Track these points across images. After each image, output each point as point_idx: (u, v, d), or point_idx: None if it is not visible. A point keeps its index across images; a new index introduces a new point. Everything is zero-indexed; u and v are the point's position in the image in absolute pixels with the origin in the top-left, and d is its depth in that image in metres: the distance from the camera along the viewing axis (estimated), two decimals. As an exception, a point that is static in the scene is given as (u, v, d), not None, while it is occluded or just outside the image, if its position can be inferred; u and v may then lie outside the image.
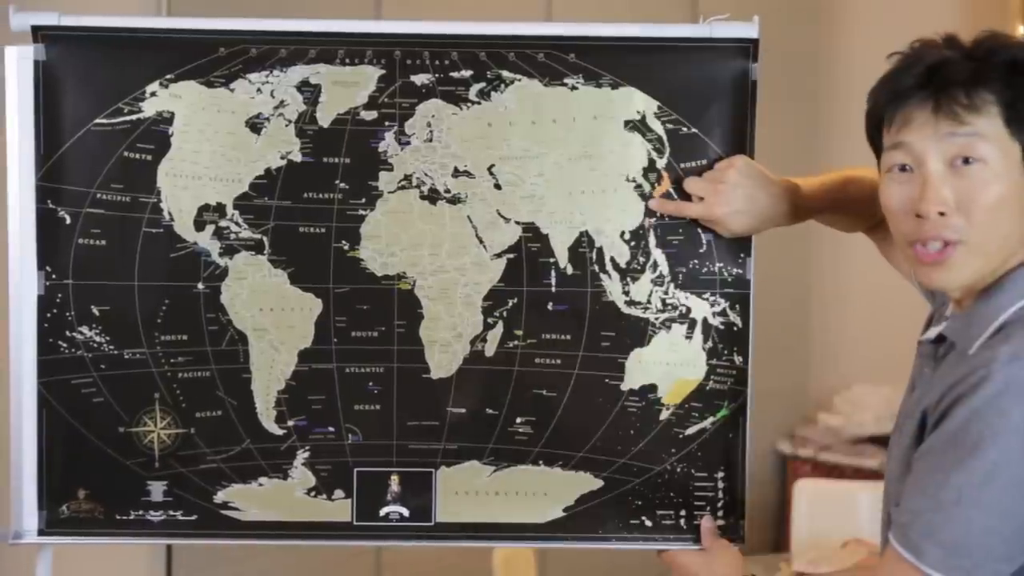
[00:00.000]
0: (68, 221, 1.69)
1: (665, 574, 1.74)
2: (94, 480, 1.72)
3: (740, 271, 1.71)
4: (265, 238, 1.71)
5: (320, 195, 1.71)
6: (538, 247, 1.71)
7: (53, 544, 1.74)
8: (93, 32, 1.70)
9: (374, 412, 1.73)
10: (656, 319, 1.72)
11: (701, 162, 1.70)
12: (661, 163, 1.70)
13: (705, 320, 1.72)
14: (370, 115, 1.71)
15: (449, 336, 1.72)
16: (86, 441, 1.71)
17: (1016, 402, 1.24)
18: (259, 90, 1.70)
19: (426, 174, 1.71)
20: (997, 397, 1.25)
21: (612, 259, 1.71)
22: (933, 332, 1.43)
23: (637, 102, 1.70)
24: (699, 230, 1.70)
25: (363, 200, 1.71)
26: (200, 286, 1.71)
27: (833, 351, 4.48)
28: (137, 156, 1.70)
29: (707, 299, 1.72)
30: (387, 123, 1.71)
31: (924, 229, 1.33)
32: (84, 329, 1.70)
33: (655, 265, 1.71)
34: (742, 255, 1.71)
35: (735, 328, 1.72)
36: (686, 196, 1.69)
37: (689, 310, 1.72)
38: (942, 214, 1.32)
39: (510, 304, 1.72)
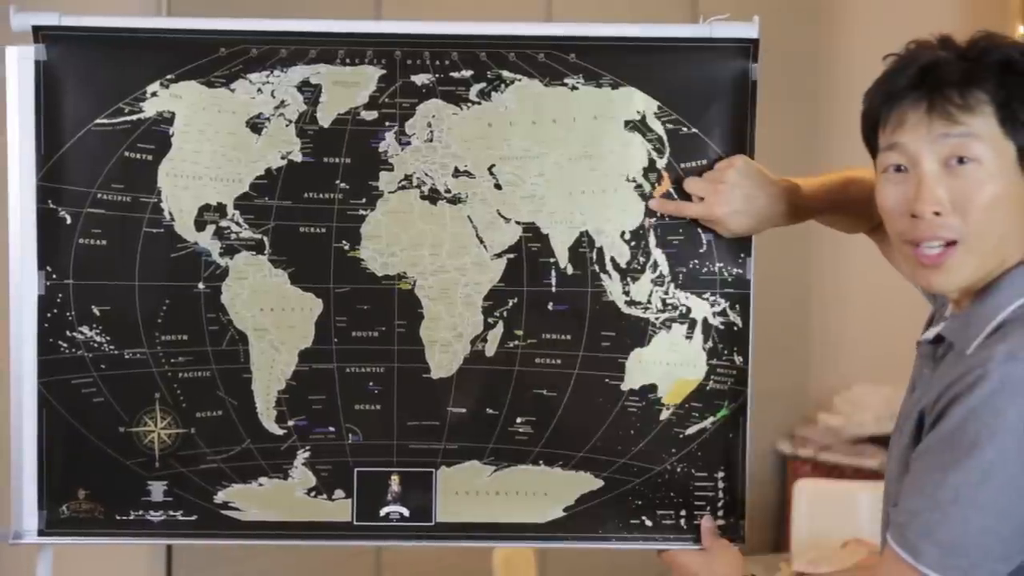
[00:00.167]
0: (69, 221, 1.69)
1: (665, 574, 1.74)
2: (94, 480, 1.72)
3: (740, 271, 1.72)
4: (266, 238, 1.71)
5: (320, 195, 1.71)
6: (538, 247, 1.71)
7: (53, 544, 1.74)
8: (94, 32, 1.70)
9: (374, 412, 1.73)
10: (656, 319, 1.72)
11: (701, 162, 1.70)
12: (661, 163, 1.70)
13: (705, 320, 1.72)
14: (370, 115, 1.71)
15: (449, 336, 1.72)
16: (86, 441, 1.71)
17: (1012, 401, 1.24)
18: (259, 90, 1.70)
19: (426, 174, 1.71)
20: (993, 396, 1.25)
21: (612, 259, 1.71)
22: (932, 333, 1.43)
23: (637, 102, 1.70)
24: (699, 230, 1.70)
25: (363, 200, 1.71)
26: (200, 286, 1.71)
27: (833, 351, 4.48)
28: (138, 156, 1.70)
29: (707, 299, 1.72)
30: (387, 123, 1.71)
31: (920, 229, 1.34)
32: (84, 329, 1.70)
33: (655, 265, 1.71)
34: (742, 255, 1.71)
35: (735, 328, 1.72)
36: (686, 196, 1.69)
37: (689, 310, 1.72)
38: (937, 214, 1.32)
39: (510, 304, 1.72)
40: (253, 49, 1.70)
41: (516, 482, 1.73)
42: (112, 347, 1.70)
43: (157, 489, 1.72)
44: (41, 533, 1.72)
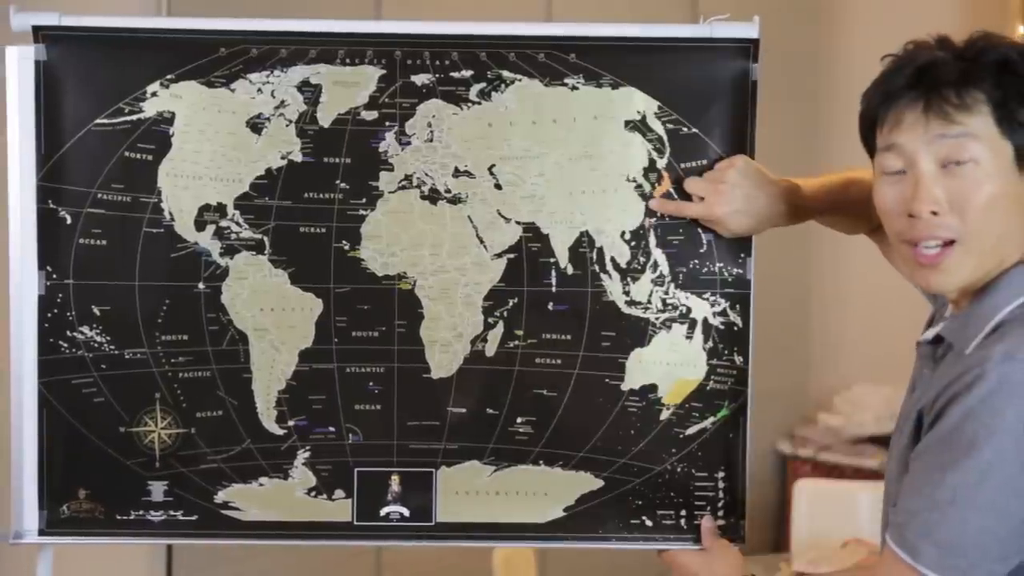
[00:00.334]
0: (69, 221, 1.69)
1: (665, 574, 1.74)
2: (94, 480, 1.72)
3: (740, 271, 1.72)
4: (266, 238, 1.71)
5: (321, 195, 1.71)
6: (538, 247, 1.71)
7: (53, 544, 1.74)
8: (94, 32, 1.70)
9: (375, 412, 1.73)
10: (656, 319, 1.72)
11: (701, 162, 1.70)
12: (661, 163, 1.70)
13: (705, 320, 1.72)
14: (371, 115, 1.71)
15: (449, 336, 1.72)
16: (87, 441, 1.71)
17: (1010, 401, 1.24)
18: (260, 90, 1.70)
19: (427, 174, 1.71)
20: (991, 396, 1.25)
21: (612, 259, 1.71)
22: (931, 333, 1.43)
23: (637, 102, 1.70)
24: (699, 230, 1.70)
25: (364, 200, 1.71)
26: (201, 286, 1.71)
27: (833, 351, 4.48)
28: (138, 156, 1.70)
29: (707, 299, 1.72)
30: (388, 123, 1.71)
31: (917, 229, 1.34)
32: (85, 329, 1.70)
33: (655, 265, 1.71)
34: (742, 255, 1.71)
35: (735, 328, 1.72)
36: (686, 196, 1.69)
37: (689, 310, 1.72)
38: (935, 213, 1.33)
39: (510, 304, 1.72)
40: (253, 49, 1.70)
41: (516, 482, 1.73)
42: (112, 347, 1.70)
43: (157, 489, 1.72)
44: (41, 533, 1.72)
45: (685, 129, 1.70)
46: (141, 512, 1.72)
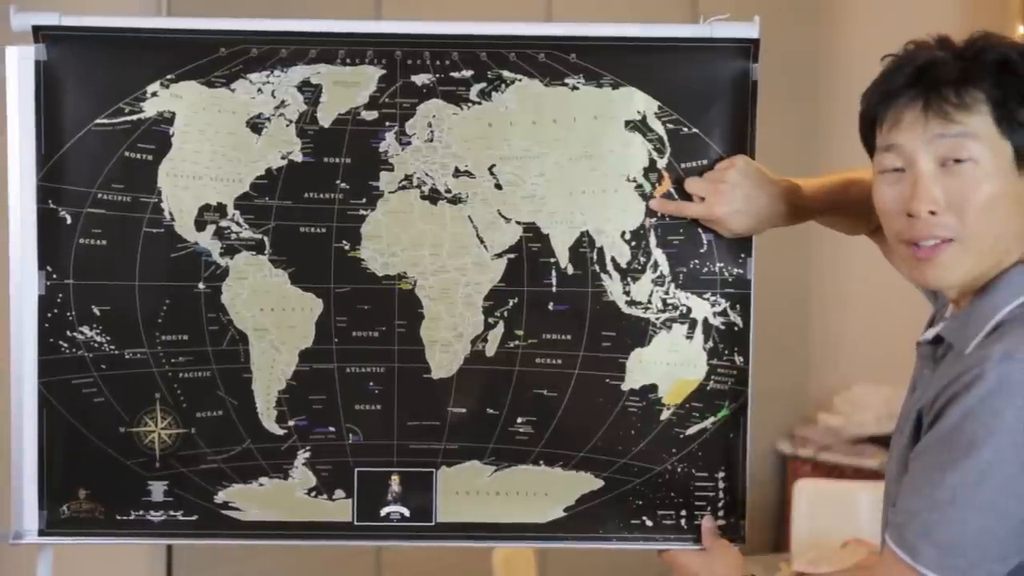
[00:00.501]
0: (69, 221, 1.69)
1: (665, 574, 1.74)
2: (94, 480, 1.72)
3: (740, 271, 1.72)
4: (266, 238, 1.71)
5: (321, 195, 1.71)
6: (539, 247, 1.71)
7: (53, 544, 1.74)
8: (94, 32, 1.70)
9: (375, 412, 1.73)
10: (657, 319, 1.72)
11: (702, 162, 1.70)
12: (662, 163, 1.70)
13: (706, 320, 1.72)
14: (371, 115, 1.71)
15: (450, 336, 1.72)
16: (87, 441, 1.71)
17: (1009, 401, 1.24)
18: (260, 90, 1.70)
19: (427, 174, 1.71)
20: (990, 396, 1.25)
21: (613, 259, 1.71)
22: (931, 333, 1.43)
23: (638, 102, 1.70)
24: (700, 230, 1.70)
25: (364, 200, 1.71)
26: (201, 286, 1.71)
27: (833, 351, 4.48)
28: (138, 156, 1.70)
29: (708, 299, 1.72)
30: (388, 123, 1.71)
31: (916, 228, 1.34)
32: (85, 329, 1.70)
33: (656, 265, 1.71)
34: (742, 255, 1.71)
35: (735, 328, 1.72)
36: (687, 196, 1.69)
37: (690, 310, 1.72)
38: (933, 213, 1.33)
39: (511, 304, 1.72)
40: (253, 49, 1.70)
41: (516, 482, 1.73)
42: (112, 347, 1.70)
43: (157, 489, 1.72)
44: (41, 533, 1.72)
45: (685, 129, 1.70)
46: (141, 512, 1.72)
